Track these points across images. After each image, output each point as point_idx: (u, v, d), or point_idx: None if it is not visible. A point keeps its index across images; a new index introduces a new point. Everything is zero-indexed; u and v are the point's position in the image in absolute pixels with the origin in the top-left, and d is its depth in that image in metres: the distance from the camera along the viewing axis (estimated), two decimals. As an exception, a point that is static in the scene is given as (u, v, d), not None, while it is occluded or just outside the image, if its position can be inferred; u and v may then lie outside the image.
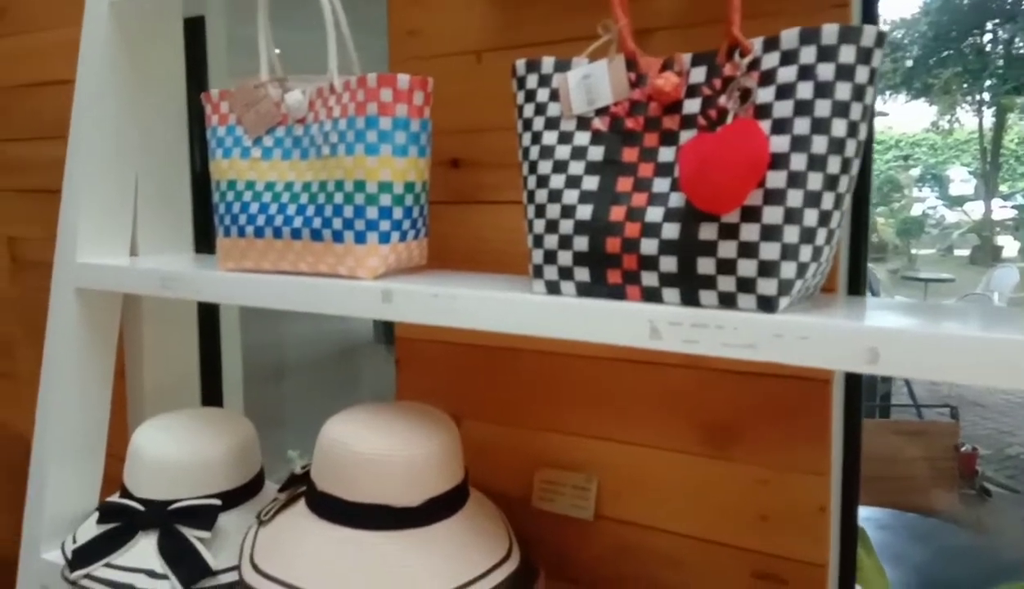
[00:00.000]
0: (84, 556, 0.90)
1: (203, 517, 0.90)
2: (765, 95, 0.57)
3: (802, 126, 0.55)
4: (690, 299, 0.59)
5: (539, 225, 0.67)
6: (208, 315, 1.28)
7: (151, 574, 0.87)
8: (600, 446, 0.87)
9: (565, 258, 0.65)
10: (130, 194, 1.06)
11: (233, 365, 1.35)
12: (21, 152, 1.45)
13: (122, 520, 0.92)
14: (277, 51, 0.90)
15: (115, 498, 0.95)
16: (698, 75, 0.61)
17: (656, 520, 0.84)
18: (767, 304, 0.56)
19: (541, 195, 0.67)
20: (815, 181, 0.55)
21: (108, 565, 0.89)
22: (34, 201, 1.46)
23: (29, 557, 1.02)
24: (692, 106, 0.61)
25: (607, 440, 0.87)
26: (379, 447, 0.75)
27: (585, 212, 0.64)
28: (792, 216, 0.55)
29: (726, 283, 0.57)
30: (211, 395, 1.29)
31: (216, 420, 0.99)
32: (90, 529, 0.94)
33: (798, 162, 0.55)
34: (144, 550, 0.89)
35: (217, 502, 0.92)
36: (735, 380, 0.79)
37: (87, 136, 1.01)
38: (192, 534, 0.89)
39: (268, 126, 0.87)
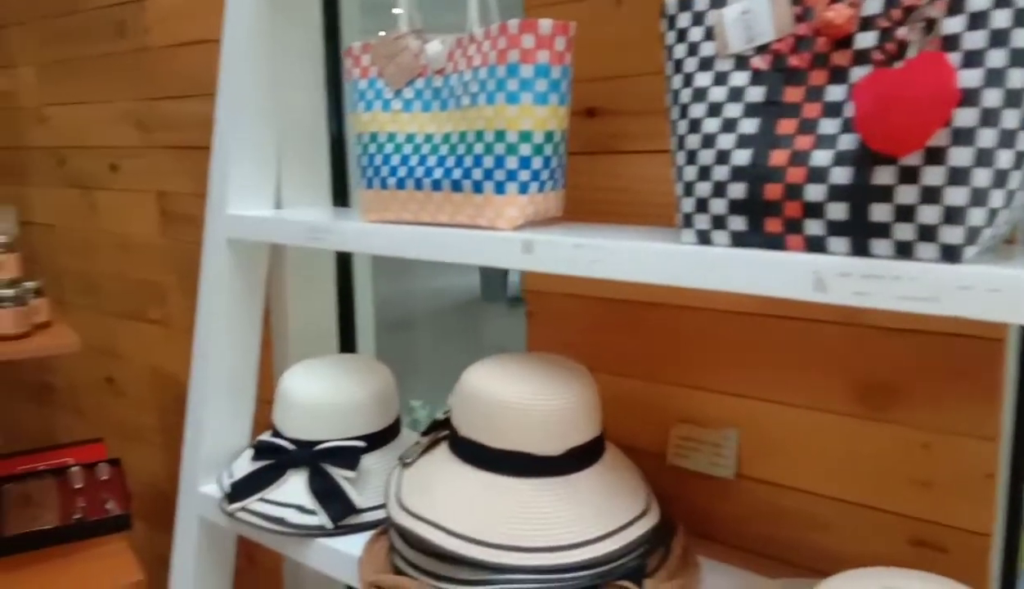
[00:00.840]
0: (241, 490, 0.97)
1: (348, 457, 0.94)
2: (953, 25, 0.51)
3: (997, 58, 0.50)
4: (860, 249, 0.56)
5: (690, 172, 0.64)
6: (342, 267, 1.33)
7: (301, 509, 0.92)
8: (742, 403, 0.85)
9: (718, 206, 0.62)
10: (273, 149, 1.10)
11: (365, 315, 1.39)
12: (170, 110, 1.54)
13: (274, 458, 0.97)
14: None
15: (267, 437, 1.00)
16: (873, 6, 0.56)
17: (803, 481, 0.81)
18: (951, 254, 0.52)
19: (693, 140, 0.64)
20: (1011, 119, 0.50)
21: (262, 499, 0.95)
22: (182, 157, 1.55)
23: (188, 490, 1.10)
24: (866, 40, 0.56)
25: (750, 397, 0.84)
26: (522, 396, 0.75)
27: (742, 157, 0.60)
28: (983, 158, 0.50)
29: (904, 231, 0.53)
30: (345, 343, 1.34)
31: (358, 367, 1.03)
32: (244, 465, 1.00)
33: (992, 98, 0.50)
34: (294, 486, 0.95)
35: (361, 443, 0.96)
36: (895, 338, 0.74)
37: (234, 93, 1.06)
38: (338, 473, 0.94)
39: (408, 78, 0.88)
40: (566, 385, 0.77)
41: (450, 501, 0.76)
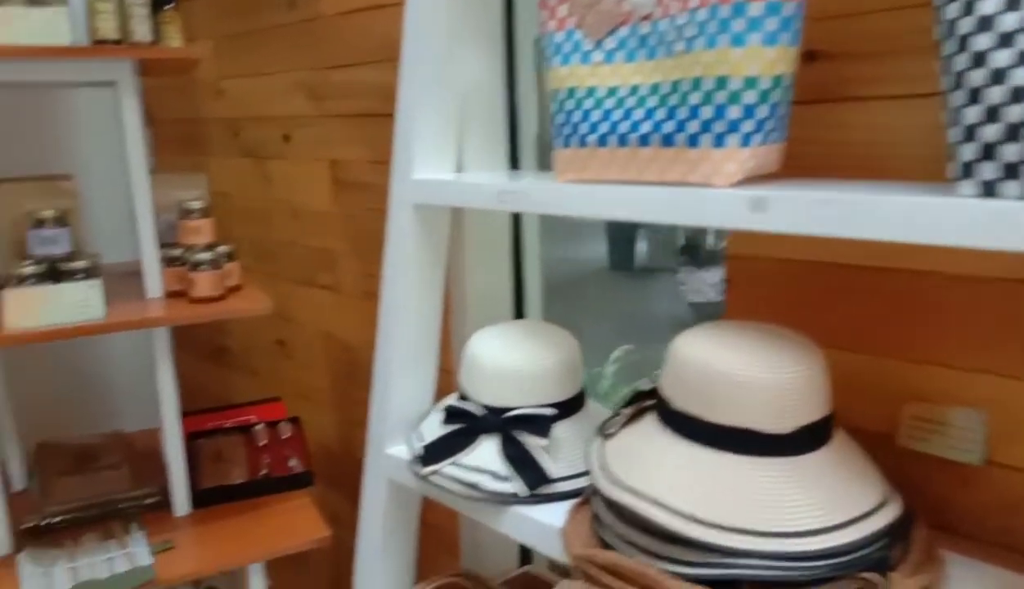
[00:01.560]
0: (433, 453, 0.96)
1: (540, 425, 0.92)
2: None
3: None
4: None
5: (973, 114, 0.55)
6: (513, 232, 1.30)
7: (494, 476, 0.91)
8: (993, 382, 0.75)
9: (1011, 152, 0.53)
10: (455, 113, 1.08)
11: (533, 281, 1.37)
12: (341, 79, 1.56)
13: (465, 422, 0.96)
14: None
15: (455, 401, 1.00)
16: None
17: (1075, 471, 0.71)
18: None
19: (976, 77, 0.55)
20: None
21: (455, 464, 0.94)
22: (354, 125, 1.57)
23: (376, 453, 1.11)
24: None
25: (1004, 376, 0.74)
26: (748, 368, 0.69)
27: (1048, 93, 0.51)
28: None
29: None
30: (517, 310, 1.32)
31: (546, 334, 1.00)
32: (434, 428, 1.00)
33: None
34: (487, 452, 0.93)
35: (553, 411, 0.93)
36: None
37: (418, 58, 1.04)
38: (531, 441, 0.91)
39: (610, 27, 0.82)
40: (794, 357, 0.71)
41: (668, 477, 0.71)
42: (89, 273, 1.19)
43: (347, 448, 1.77)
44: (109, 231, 1.62)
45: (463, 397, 1.00)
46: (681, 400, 0.74)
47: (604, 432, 0.83)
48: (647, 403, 0.82)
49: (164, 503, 1.37)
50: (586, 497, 0.85)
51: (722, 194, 0.70)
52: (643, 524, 0.70)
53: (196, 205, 1.28)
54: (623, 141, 0.81)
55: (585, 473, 0.91)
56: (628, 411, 0.83)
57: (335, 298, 1.73)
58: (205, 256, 1.24)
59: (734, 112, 0.71)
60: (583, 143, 0.84)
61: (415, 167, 1.05)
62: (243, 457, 1.45)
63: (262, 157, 1.88)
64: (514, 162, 1.29)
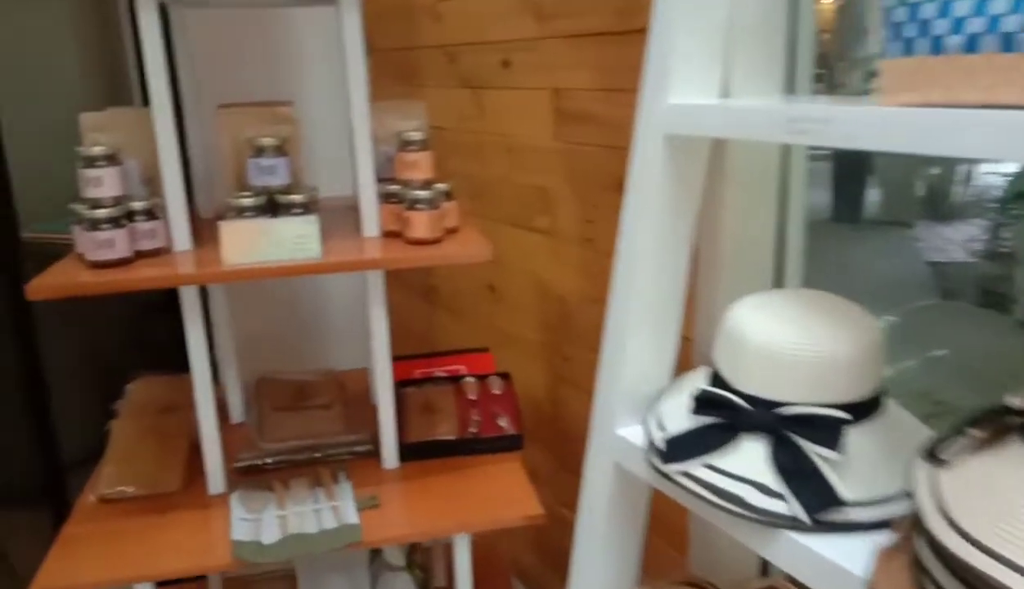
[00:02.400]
0: (680, 449, 0.78)
1: (828, 431, 0.70)
2: None
3: None
4: None
5: None
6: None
7: (763, 489, 0.71)
8: None
9: None
10: (722, 27, 0.86)
11: (796, 236, 1.12)
12: (571, -6, 1.37)
13: (722, 415, 0.77)
14: None
15: (707, 385, 0.80)
16: None
17: None
18: None
19: None
20: None
21: (709, 467, 0.75)
22: (581, 47, 1.38)
23: (602, 430, 0.95)
24: None
25: None
26: None
27: None
28: None
29: None
30: (777, 272, 1.09)
31: (833, 309, 0.77)
32: (680, 417, 0.82)
33: None
34: (751, 457, 0.74)
35: (844, 414, 0.71)
36: None
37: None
38: (814, 450, 0.70)
39: None
40: None
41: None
42: (307, 208, 1.11)
43: (554, 406, 1.63)
44: (322, 164, 1.56)
45: (716, 380, 0.80)
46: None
47: (934, 456, 0.60)
48: (1013, 421, 0.58)
49: (372, 453, 1.31)
50: (903, 539, 0.63)
51: None
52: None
53: (415, 136, 1.16)
54: (971, 46, 0.55)
55: (889, 499, 0.69)
56: (977, 433, 0.59)
57: (549, 243, 1.58)
58: (423, 194, 1.12)
59: None
60: (934, 49, 0.59)
61: (671, 90, 0.84)
62: (452, 411, 1.36)
63: (478, 86, 1.74)
64: (790, 87, 1.04)
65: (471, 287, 1.92)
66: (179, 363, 1.23)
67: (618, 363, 0.93)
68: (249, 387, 1.51)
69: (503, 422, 1.34)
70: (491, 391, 1.41)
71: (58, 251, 1.15)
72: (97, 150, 1.05)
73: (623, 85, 1.30)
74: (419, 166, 1.16)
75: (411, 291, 2.24)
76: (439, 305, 2.12)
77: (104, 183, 1.05)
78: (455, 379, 1.44)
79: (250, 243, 1.06)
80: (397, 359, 1.41)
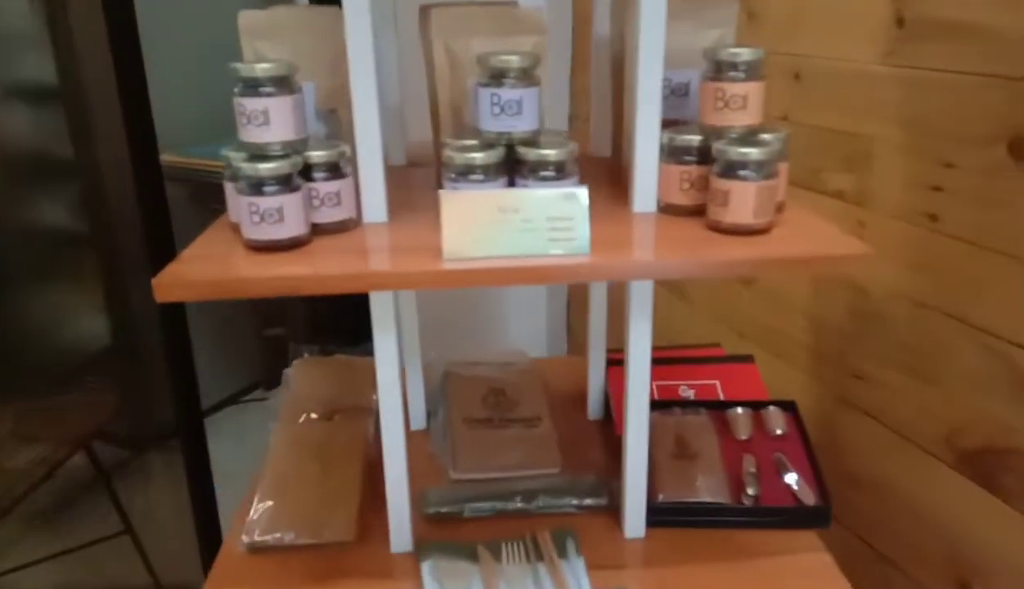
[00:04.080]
0: None
1: None
2: None
3: None
4: None
5: None
6: None
7: None
8: None
9: None
10: None
11: None
12: None
13: None
14: None
15: None
16: None
17: None
18: None
19: None
20: None
21: None
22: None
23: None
24: None
25: None
26: None
27: None
28: None
29: None
30: None
31: None
32: None
33: None
34: None
35: None
36: None
37: None
38: None
39: None
40: None
41: None
42: (562, 171, 0.71)
43: (836, 447, 1.20)
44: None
45: None
46: None
47: None
48: None
49: (606, 506, 0.94)
50: None
51: None
52: None
53: (738, 56, 0.72)
54: None
55: None
56: None
57: (856, 213, 1.12)
58: (750, 153, 0.69)
59: None
60: None
61: None
62: (715, 457, 0.96)
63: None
64: None
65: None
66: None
67: None
68: (430, 382, 1.17)
69: (794, 482, 0.93)
70: (770, 430, 1.00)
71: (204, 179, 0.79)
72: (264, 69, 0.68)
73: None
74: (746, 104, 0.72)
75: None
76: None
77: (272, 120, 0.68)
78: (714, 405, 1.04)
79: (485, 226, 0.67)
80: (613, 353, 1.04)
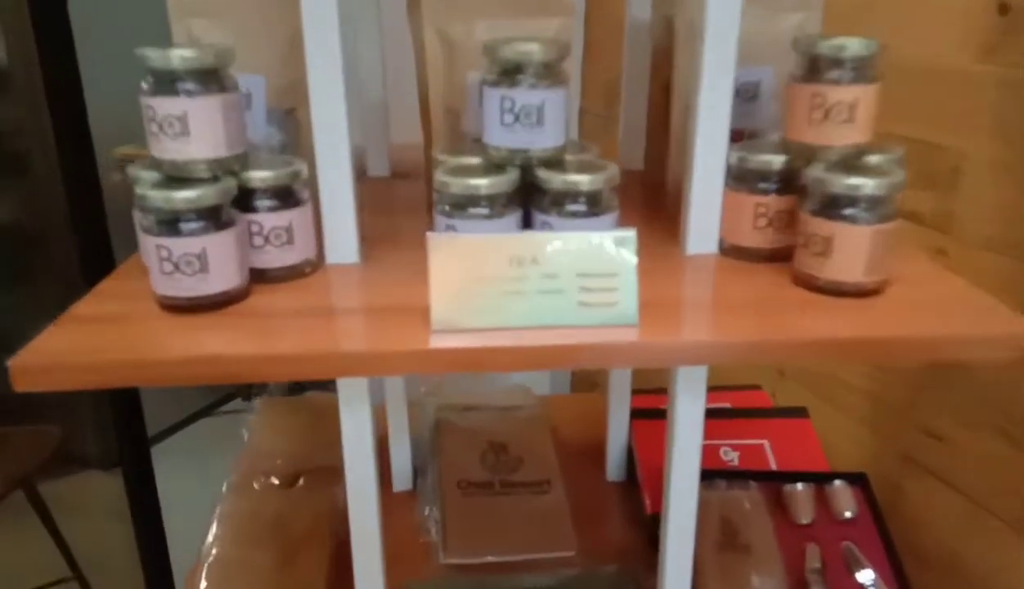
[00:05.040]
0: None
1: None
2: None
3: None
4: None
5: None
6: None
7: None
8: None
9: None
10: None
11: None
12: None
13: None
14: None
15: None
16: None
17: None
18: None
19: None
20: None
21: None
22: None
23: None
24: None
25: None
26: None
27: None
28: None
29: None
30: None
31: None
32: None
33: None
34: None
35: None
36: None
37: None
38: None
39: None
40: None
41: None
42: (596, 203, 0.52)
43: (897, 515, 1.02)
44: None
45: None
46: None
47: None
48: None
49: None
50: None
51: None
52: None
53: (843, 49, 0.52)
54: None
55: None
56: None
57: (933, 239, 0.93)
58: (863, 185, 0.49)
59: None
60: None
61: None
62: (771, 549, 0.77)
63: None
64: None
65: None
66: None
67: None
68: (417, 426, 0.98)
69: (870, 582, 0.75)
70: (837, 511, 0.81)
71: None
72: (183, 57, 0.48)
73: None
74: (853, 115, 0.52)
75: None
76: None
77: (193, 129, 0.49)
78: (768, 477, 0.85)
79: (491, 284, 0.48)
80: (637, 396, 0.85)
